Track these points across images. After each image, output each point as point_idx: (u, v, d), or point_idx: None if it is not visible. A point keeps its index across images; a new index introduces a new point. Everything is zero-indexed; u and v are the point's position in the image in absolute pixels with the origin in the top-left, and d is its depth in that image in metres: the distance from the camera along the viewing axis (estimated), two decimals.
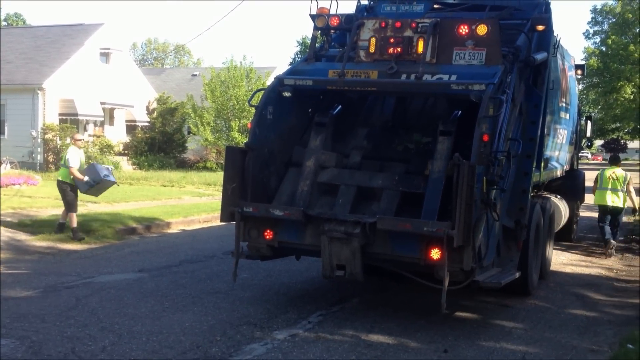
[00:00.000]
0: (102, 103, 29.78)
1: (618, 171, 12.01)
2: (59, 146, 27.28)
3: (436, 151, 6.96)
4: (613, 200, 11.93)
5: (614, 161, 12.56)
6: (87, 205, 15.94)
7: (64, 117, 28.39)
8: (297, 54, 67.03)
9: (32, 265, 9.69)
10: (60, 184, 11.80)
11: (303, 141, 7.82)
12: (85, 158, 11.59)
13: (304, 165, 7.45)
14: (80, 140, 12.51)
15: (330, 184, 7.38)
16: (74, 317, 6.91)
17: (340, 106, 8.22)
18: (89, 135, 29.84)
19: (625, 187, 11.97)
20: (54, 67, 28.38)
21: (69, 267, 9.51)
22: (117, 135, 31.53)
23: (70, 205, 11.74)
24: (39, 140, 27.49)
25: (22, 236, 11.72)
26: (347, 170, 7.48)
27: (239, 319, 7.02)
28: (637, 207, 12.88)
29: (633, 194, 12.43)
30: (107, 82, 30.04)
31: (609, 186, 11.94)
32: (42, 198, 16.45)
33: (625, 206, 12.25)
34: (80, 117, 28.74)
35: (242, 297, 7.97)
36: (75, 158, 11.68)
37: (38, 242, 11.39)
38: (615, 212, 12.07)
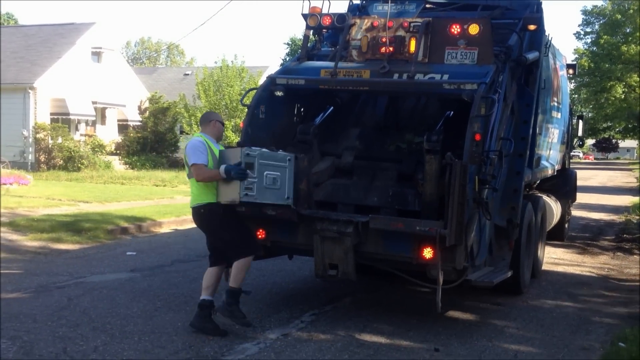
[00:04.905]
0: (93, 102, 29.69)
1: None
2: (50, 145, 27.19)
3: (425, 172, 6.74)
4: None
5: None
6: (79, 204, 15.92)
7: (56, 117, 28.28)
8: (288, 55, 66.88)
9: (24, 265, 9.64)
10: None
11: (295, 141, 7.79)
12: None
13: (296, 187, 7.34)
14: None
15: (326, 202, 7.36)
16: (66, 317, 6.88)
17: (331, 108, 8.18)
18: (81, 135, 29.74)
19: None
20: (46, 66, 28.27)
21: (61, 267, 9.47)
22: (109, 135, 31.42)
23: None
24: (30, 139, 27.37)
25: (13, 236, 11.65)
26: (342, 183, 7.39)
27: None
28: None
29: None
30: (99, 81, 29.94)
31: None
32: (33, 198, 16.39)
33: None
34: (71, 117, 28.67)
35: None
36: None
37: (29, 241, 11.32)
38: None
